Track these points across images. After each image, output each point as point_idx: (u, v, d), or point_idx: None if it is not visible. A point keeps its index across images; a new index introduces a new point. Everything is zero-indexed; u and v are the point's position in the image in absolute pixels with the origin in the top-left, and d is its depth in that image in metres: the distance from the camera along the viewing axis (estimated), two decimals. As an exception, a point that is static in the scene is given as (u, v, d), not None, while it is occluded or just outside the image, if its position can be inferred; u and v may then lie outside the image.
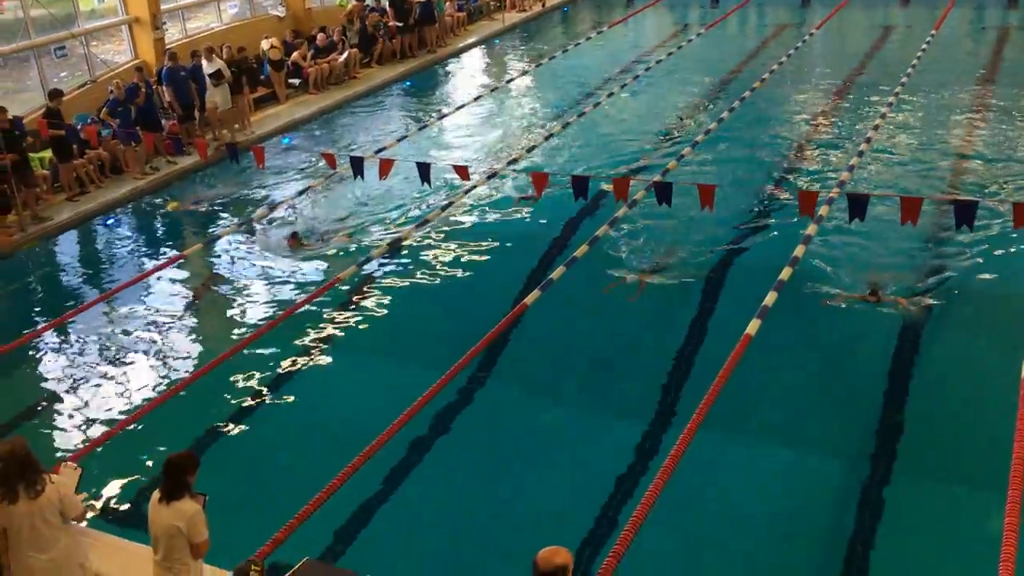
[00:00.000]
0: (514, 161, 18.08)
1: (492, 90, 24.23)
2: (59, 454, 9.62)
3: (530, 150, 18.79)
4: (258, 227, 15.93)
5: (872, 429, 9.63)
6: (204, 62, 19.52)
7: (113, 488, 9.26)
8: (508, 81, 25.18)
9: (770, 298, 11.71)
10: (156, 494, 6.40)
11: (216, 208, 17.09)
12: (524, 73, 26.03)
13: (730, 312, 11.97)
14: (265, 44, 23.07)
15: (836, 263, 12.82)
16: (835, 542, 8.09)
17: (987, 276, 12.41)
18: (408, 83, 25.54)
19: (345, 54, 24.84)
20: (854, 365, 10.85)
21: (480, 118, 21.96)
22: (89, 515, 8.67)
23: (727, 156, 17.92)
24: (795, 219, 13.81)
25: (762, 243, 14.11)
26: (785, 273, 12.42)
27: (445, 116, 22.01)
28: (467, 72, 27.12)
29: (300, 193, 17.33)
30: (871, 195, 11.52)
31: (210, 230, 16.01)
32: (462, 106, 22.68)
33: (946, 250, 13.22)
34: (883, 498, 8.62)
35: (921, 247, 13.38)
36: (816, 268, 12.64)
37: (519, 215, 15.51)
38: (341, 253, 14.46)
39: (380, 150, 18.57)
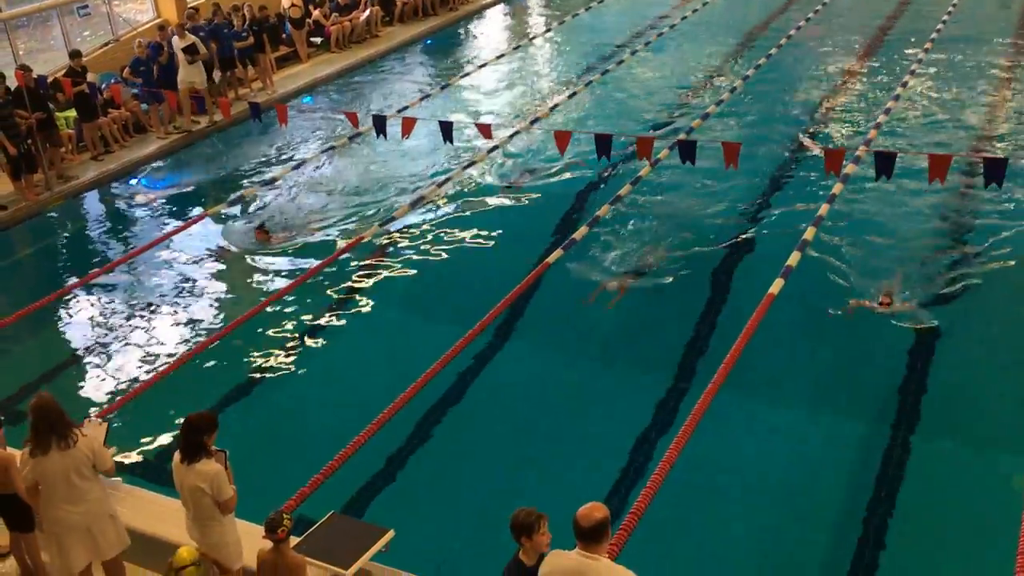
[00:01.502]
0: (537, 120, 17.97)
1: (515, 48, 24.03)
2: (89, 409, 9.78)
3: (553, 108, 18.66)
4: (279, 190, 15.98)
5: (894, 392, 9.59)
6: (175, 38, 18.08)
7: (144, 443, 9.43)
8: (531, 39, 24.95)
9: (793, 258, 11.66)
10: (177, 455, 6.50)
11: (239, 169, 17.13)
12: (547, 31, 25.78)
13: (754, 272, 11.92)
14: (286, 2, 22.94)
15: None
16: (855, 505, 8.11)
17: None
18: (429, 41, 25.37)
19: (367, 12, 24.66)
20: (877, 334, 10.77)
21: (502, 77, 21.79)
22: (121, 469, 8.85)
23: (752, 115, 17.73)
24: (816, 179, 13.69)
25: (786, 202, 14.00)
26: (809, 233, 12.34)
27: (467, 75, 21.87)
28: (489, 30, 26.89)
29: (302, 165, 17.33)
30: (898, 152, 11.36)
31: (233, 190, 16.06)
32: (484, 64, 22.52)
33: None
34: (905, 462, 8.62)
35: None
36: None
37: (547, 179, 15.42)
38: (360, 218, 14.47)
39: (402, 109, 18.51)
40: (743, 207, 13.83)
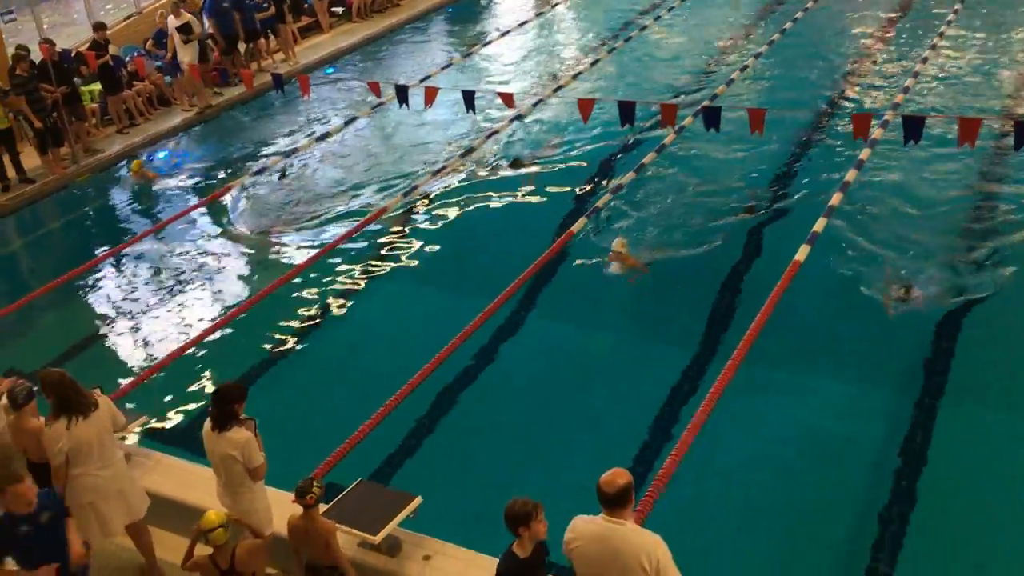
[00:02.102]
0: (559, 88, 17.85)
1: (537, 15, 23.82)
2: (120, 379, 9.91)
3: (576, 76, 18.52)
4: (302, 161, 16.01)
5: (920, 360, 9.52)
6: (171, 17, 17.69)
7: (175, 412, 9.56)
8: (553, 5, 24.71)
9: (820, 224, 11.56)
10: (208, 423, 6.59)
11: (263, 140, 17.18)
12: (569, -4, 25.54)
13: (780, 239, 11.84)
14: (307, -28, 22.88)
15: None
16: (879, 478, 8.08)
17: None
18: (451, 9, 25.21)
19: (388, -19, 24.55)
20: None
21: (524, 44, 21.64)
22: (152, 437, 9.01)
23: (778, 80, 17.53)
24: (843, 145, 13.51)
25: (812, 168, 13.86)
26: (836, 199, 12.22)
27: (489, 43, 21.73)
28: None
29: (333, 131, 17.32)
30: (927, 116, 11.19)
31: (258, 161, 16.12)
32: (506, 32, 22.36)
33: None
34: (931, 434, 8.55)
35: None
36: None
37: (570, 149, 15.33)
38: (383, 189, 14.48)
39: (425, 78, 18.44)
40: (768, 174, 13.70)
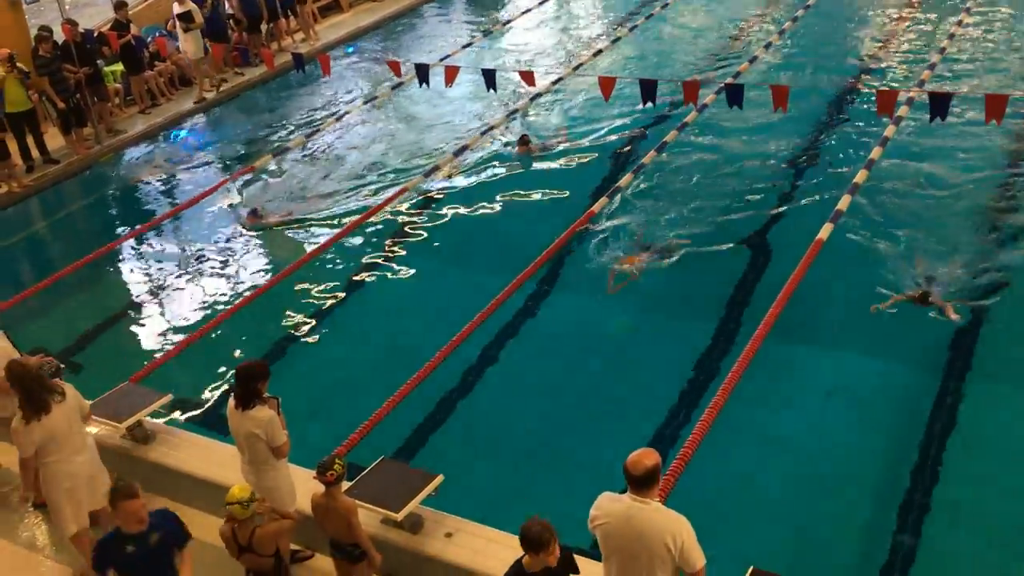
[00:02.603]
0: (580, 66, 17.75)
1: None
2: (144, 358, 10.01)
3: (596, 54, 18.40)
4: (322, 141, 16.03)
5: (946, 342, 9.44)
6: (175, 4, 17.33)
7: (199, 390, 9.64)
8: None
9: (844, 202, 11.46)
10: (231, 401, 6.64)
11: (284, 120, 17.21)
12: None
13: (803, 216, 11.75)
14: (326, -49, 22.80)
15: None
16: (903, 457, 8.03)
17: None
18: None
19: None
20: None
21: (545, 22, 21.52)
22: (177, 415, 9.11)
23: (802, 57, 17.34)
24: (868, 122, 13.36)
25: (835, 147, 13.73)
26: (860, 176, 12.11)
27: (510, 21, 21.61)
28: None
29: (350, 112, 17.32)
30: (953, 93, 11.04)
31: (279, 141, 16.15)
32: (527, 10, 22.24)
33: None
34: (956, 411, 8.48)
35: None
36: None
37: (591, 129, 15.25)
38: (404, 169, 14.49)
39: (445, 57, 18.38)
40: (792, 151, 13.59)
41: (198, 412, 9.32)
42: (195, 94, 18.08)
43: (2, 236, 13.80)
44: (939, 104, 10.12)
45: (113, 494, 5.59)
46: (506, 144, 14.73)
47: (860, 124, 14.25)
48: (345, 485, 6.56)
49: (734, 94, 11.08)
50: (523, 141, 14.33)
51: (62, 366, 7.64)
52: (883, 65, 16.83)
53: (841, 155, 13.33)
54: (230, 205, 13.85)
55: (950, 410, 8.45)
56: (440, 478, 6.92)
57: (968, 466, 7.83)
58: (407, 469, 7.32)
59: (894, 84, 15.52)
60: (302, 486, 6.84)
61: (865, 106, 14.62)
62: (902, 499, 7.54)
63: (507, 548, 6.65)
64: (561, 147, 14.44)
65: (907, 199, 11.90)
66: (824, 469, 7.95)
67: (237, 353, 10.02)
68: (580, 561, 6.41)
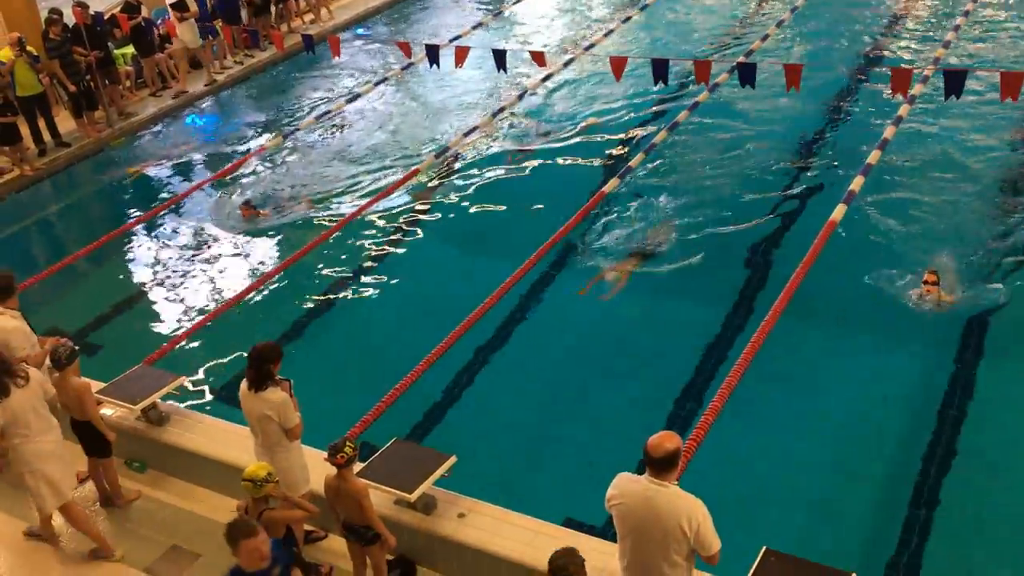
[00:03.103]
0: (591, 46, 17.65)
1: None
2: (158, 340, 10.05)
3: (607, 34, 18.28)
4: (331, 125, 16.01)
5: (960, 324, 9.38)
6: None
7: (213, 372, 9.69)
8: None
9: (856, 183, 11.39)
10: (244, 383, 6.65)
11: (295, 102, 17.20)
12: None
13: (815, 198, 11.69)
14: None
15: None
16: (915, 439, 8.00)
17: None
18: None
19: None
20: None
21: (555, 2, 21.38)
22: (192, 397, 9.16)
23: (815, 35, 17.20)
24: (882, 101, 13.22)
25: (848, 128, 13.63)
26: (873, 156, 12.02)
27: (519, 2, 21.47)
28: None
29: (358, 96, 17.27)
30: (968, 71, 10.94)
31: (291, 123, 16.15)
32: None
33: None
34: (971, 393, 8.44)
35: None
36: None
37: (601, 111, 15.19)
38: (413, 152, 14.45)
39: (455, 38, 18.29)
40: (805, 132, 13.50)
41: (212, 394, 9.37)
42: (205, 77, 18.06)
43: (16, 219, 13.86)
44: (954, 82, 10.02)
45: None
46: (521, 125, 14.65)
47: (874, 102, 14.14)
48: (359, 466, 6.58)
49: (746, 73, 11.00)
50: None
51: (76, 348, 7.66)
52: (897, 43, 16.67)
53: (854, 135, 13.22)
54: (238, 190, 13.86)
55: (964, 391, 8.40)
56: (453, 459, 6.94)
57: (982, 448, 7.80)
58: (420, 450, 7.34)
59: (909, 61, 15.38)
60: (316, 468, 6.87)
61: (879, 84, 14.50)
62: (916, 479, 7.52)
63: (520, 528, 6.69)
64: (571, 129, 14.37)
65: (919, 181, 11.82)
66: (837, 451, 7.94)
67: (250, 335, 10.03)
68: (594, 541, 6.48)
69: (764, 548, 5.84)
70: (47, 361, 7.45)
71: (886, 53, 16.27)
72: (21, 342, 7.67)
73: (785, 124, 13.67)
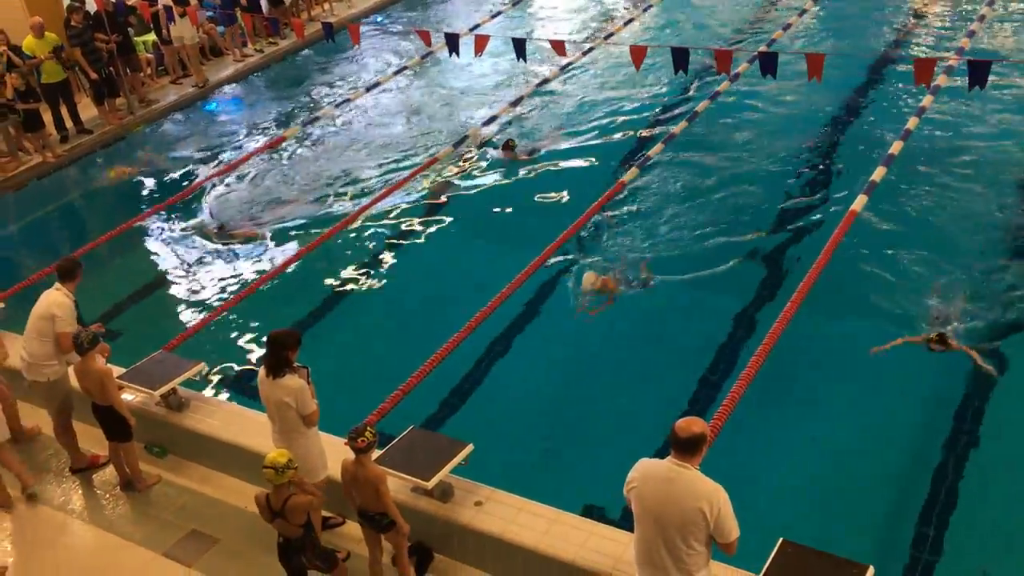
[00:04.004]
0: (610, 35, 17.58)
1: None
2: (177, 328, 10.11)
3: (627, 23, 18.21)
4: (352, 113, 16.03)
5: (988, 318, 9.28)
6: None
7: (232, 358, 9.73)
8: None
9: (878, 173, 11.31)
10: (262, 370, 6.69)
11: (315, 90, 17.24)
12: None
13: (836, 189, 11.61)
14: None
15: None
16: (934, 431, 7.96)
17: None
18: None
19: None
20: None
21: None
22: (210, 384, 9.22)
23: (837, 25, 17.05)
24: (905, 91, 13.11)
25: (871, 117, 13.52)
26: (896, 147, 11.93)
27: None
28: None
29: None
30: (993, 61, 10.81)
31: (309, 112, 16.18)
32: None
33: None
34: (992, 384, 8.37)
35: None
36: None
37: (620, 100, 15.14)
38: (434, 140, 14.46)
39: (475, 27, 18.27)
40: (826, 121, 13.41)
41: (231, 380, 9.42)
42: (229, 63, 18.11)
43: (38, 205, 13.95)
44: (978, 72, 9.91)
45: None
46: (540, 115, 14.63)
47: (897, 92, 14.02)
48: (376, 453, 6.60)
49: (768, 62, 10.91)
50: (507, 146, 13.32)
51: (98, 333, 7.75)
52: (921, 33, 16.51)
53: (876, 126, 13.12)
54: (256, 179, 13.92)
55: (986, 382, 8.34)
56: (470, 447, 6.96)
57: (1003, 440, 7.74)
58: (437, 438, 7.35)
59: (933, 51, 15.23)
60: (333, 454, 6.90)
61: (902, 74, 14.37)
62: (934, 473, 7.47)
63: (537, 517, 6.70)
64: (589, 120, 14.31)
65: (939, 172, 11.71)
66: (855, 443, 7.90)
67: (268, 323, 10.09)
68: (610, 531, 6.48)
69: (781, 540, 5.83)
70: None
71: (911, 42, 16.10)
72: (67, 319, 7.86)
73: (806, 114, 13.57)
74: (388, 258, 11.40)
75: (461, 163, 13.48)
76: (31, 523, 7.73)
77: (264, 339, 7.54)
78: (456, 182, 12.99)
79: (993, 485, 7.35)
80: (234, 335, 10.08)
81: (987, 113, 13.02)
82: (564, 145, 13.58)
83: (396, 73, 17.34)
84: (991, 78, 9.91)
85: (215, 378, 9.39)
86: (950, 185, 11.42)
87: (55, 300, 7.91)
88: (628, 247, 10.86)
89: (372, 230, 11.94)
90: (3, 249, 12.96)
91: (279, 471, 5.92)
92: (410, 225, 12.04)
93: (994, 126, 12.77)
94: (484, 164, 13.35)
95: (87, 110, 15.97)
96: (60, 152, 15.10)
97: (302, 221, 12.45)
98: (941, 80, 13.39)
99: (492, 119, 14.59)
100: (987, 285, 9.51)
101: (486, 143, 13.81)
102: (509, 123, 14.55)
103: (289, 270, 11.07)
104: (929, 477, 7.44)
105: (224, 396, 8.98)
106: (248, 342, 9.92)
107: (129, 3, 16.55)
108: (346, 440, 6.22)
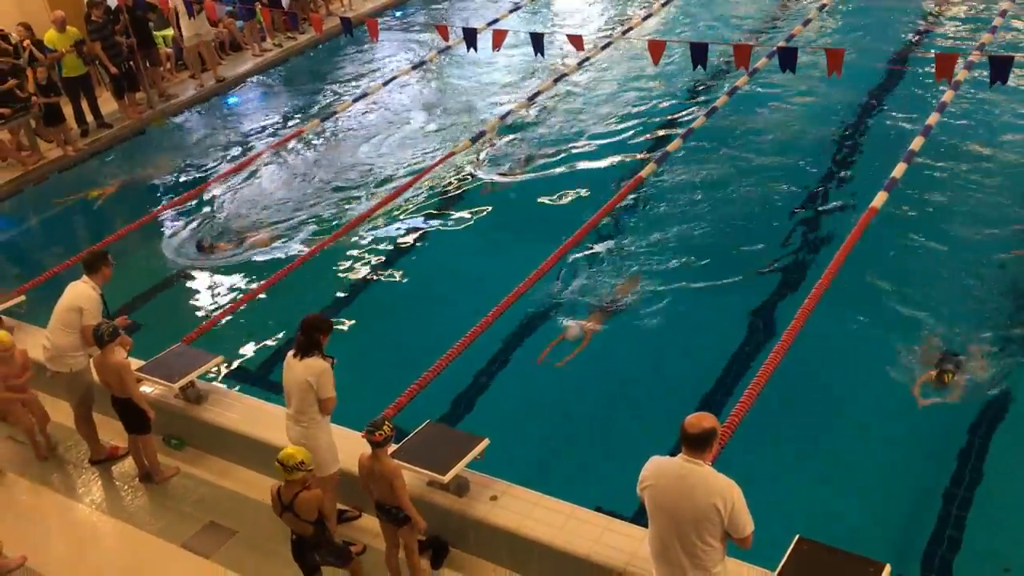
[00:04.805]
0: (628, 30, 17.54)
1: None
2: (196, 322, 10.17)
3: (646, 18, 18.15)
4: (369, 108, 16.07)
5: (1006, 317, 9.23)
6: None
7: (250, 352, 9.80)
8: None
9: (899, 169, 11.23)
10: (290, 354, 6.75)
11: (334, 84, 17.30)
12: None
13: (857, 184, 11.55)
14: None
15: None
16: (953, 427, 7.93)
17: None
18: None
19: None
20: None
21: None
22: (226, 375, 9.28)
23: (858, 19, 16.94)
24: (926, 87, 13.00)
25: (891, 112, 13.42)
26: (916, 143, 11.85)
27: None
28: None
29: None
30: (1015, 56, 10.71)
31: (327, 106, 16.22)
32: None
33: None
34: (1016, 381, 8.31)
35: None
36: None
37: (636, 97, 15.10)
38: (451, 135, 14.48)
39: (493, 22, 18.26)
40: (846, 116, 13.32)
41: (249, 373, 9.47)
42: (248, 58, 18.17)
43: (58, 198, 14.04)
44: (1000, 68, 9.81)
45: None
46: (558, 109, 14.59)
47: (917, 88, 13.92)
48: (392, 447, 6.63)
49: (786, 58, 10.85)
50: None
51: (126, 326, 7.83)
52: (941, 27, 16.37)
53: (895, 122, 13.02)
54: (275, 173, 13.98)
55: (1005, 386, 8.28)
56: (486, 441, 6.97)
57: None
58: (453, 432, 7.37)
59: (954, 46, 15.11)
60: (350, 448, 6.93)
61: (923, 69, 14.26)
62: (953, 472, 7.43)
63: (552, 512, 6.71)
64: (607, 114, 14.29)
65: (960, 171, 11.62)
66: (873, 441, 7.87)
67: (286, 317, 10.14)
68: (624, 527, 6.48)
69: (797, 537, 5.82)
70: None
71: (931, 37, 15.97)
72: (93, 312, 7.92)
73: (826, 108, 13.51)
74: (406, 253, 11.41)
75: (477, 157, 13.48)
76: (50, 514, 7.81)
77: (282, 333, 7.59)
78: (473, 176, 12.97)
79: (1015, 481, 7.29)
80: (252, 328, 10.13)
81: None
82: (582, 140, 13.56)
83: (414, 68, 17.36)
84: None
85: (234, 371, 9.44)
86: (971, 182, 11.33)
87: (82, 292, 7.98)
88: (634, 252, 10.83)
89: (390, 225, 11.97)
90: (24, 243, 13.08)
91: (289, 469, 5.94)
92: (428, 220, 12.06)
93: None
94: (500, 157, 13.34)
95: (107, 104, 16.08)
96: (81, 146, 15.21)
97: (320, 215, 12.50)
98: (962, 75, 13.26)
99: (509, 114, 14.58)
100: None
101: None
102: (525, 118, 14.54)
103: (308, 264, 11.11)
104: (948, 475, 7.39)
105: (242, 389, 9.01)
106: (266, 335, 9.97)
107: (149, -1, 16.67)
108: (363, 433, 6.24)
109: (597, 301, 9.89)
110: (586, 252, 10.81)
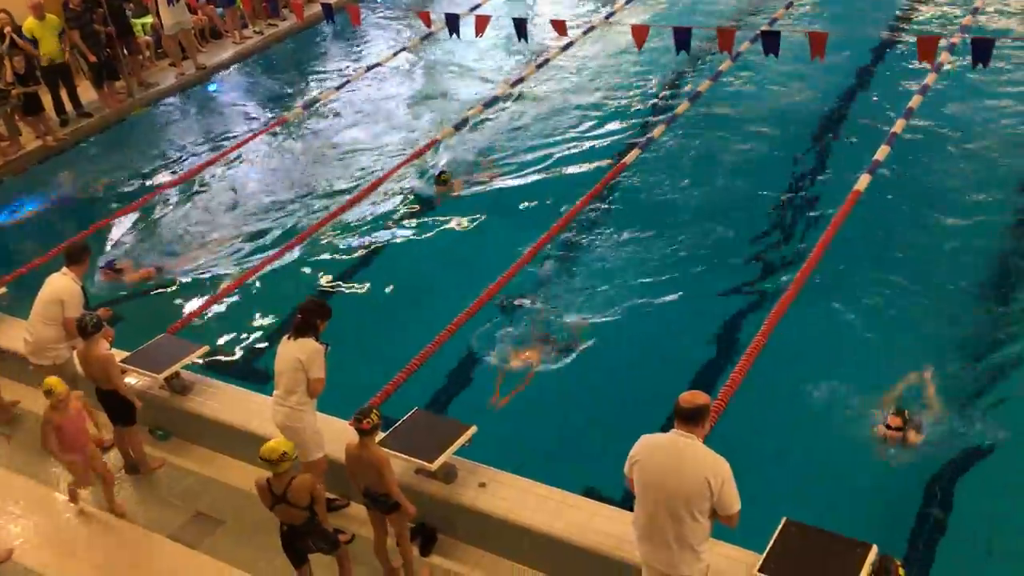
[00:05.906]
0: (612, 15, 17.50)
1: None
2: (180, 312, 10.12)
3: (628, 2, 18.11)
4: (350, 95, 16.00)
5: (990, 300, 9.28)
6: None
7: (235, 342, 9.74)
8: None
9: (881, 152, 11.27)
10: (286, 337, 6.78)
11: (314, 71, 17.20)
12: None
13: (840, 165, 11.59)
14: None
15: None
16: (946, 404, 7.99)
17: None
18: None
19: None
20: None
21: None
22: (213, 367, 9.24)
23: (837, 5, 16.96)
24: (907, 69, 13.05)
25: (871, 96, 13.47)
26: (898, 125, 11.89)
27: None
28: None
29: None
30: (997, 39, 10.74)
31: (308, 94, 16.12)
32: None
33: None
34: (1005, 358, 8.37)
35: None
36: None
37: (621, 82, 15.08)
38: (435, 119, 14.43)
39: (474, 7, 18.16)
40: (828, 99, 13.35)
41: (234, 363, 9.42)
42: (228, 46, 18.03)
43: (39, 189, 13.90)
44: (982, 50, 9.86)
45: None
46: (543, 95, 14.57)
47: (899, 70, 13.95)
48: (380, 435, 6.62)
49: (770, 42, 10.86)
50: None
51: (107, 318, 7.77)
52: (923, 10, 16.40)
53: (879, 103, 13.06)
54: (257, 161, 13.89)
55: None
56: (473, 428, 6.98)
57: (1011, 415, 7.74)
58: (441, 420, 7.38)
59: (936, 29, 15.15)
60: (338, 436, 6.92)
61: (904, 52, 14.31)
62: (941, 453, 7.49)
63: (540, 497, 6.72)
64: (591, 102, 14.26)
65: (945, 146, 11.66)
66: (860, 425, 7.91)
67: (272, 305, 10.12)
68: (614, 511, 6.50)
69: (784, 519, 5.85)
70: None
71: (913, 19, 16.00)
72: (75, 304, 7.88)
73: (808, 93, 13.51)
74: (391, 241, 11.36)
75: (464, 143, 13.43)
76: (37, 507, 7.76)
77: (268, 322, 7.52)
78: (458, 163, 12.93)
79: (1001, 463, 7.33)
80: (238, 317, 10.08)
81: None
82: (567, 127, 13.54)
83: (396, 54, 17.26)
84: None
85: (219, 361, 9.39)
86: (953, 167, 11.38)
87: (63, 286, 7.93)
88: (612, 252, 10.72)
89: (374, 212, 11.91)
90: (3, 234, 12.95)
91: (273, 463, 5.91)
92: (412, 208, 12.00)
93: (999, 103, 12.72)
94: (484, 143, 13.30)
95: (87, 93, 15.92)
96: (60, 136, 15.06)
97: (305, 203, 12.43)
98: (944, 57, 13.30)
99: (493, 100, 14.53)
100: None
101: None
102: (506, 103, 14.51)
103: (293, 252, 11.05)
104: (935, 459, 7.44)
105: (228, 379, 8.96)
106: (252, 324, 9.92)
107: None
108: (351, 421, 6.23)
109: (582, 289, 9.89)
110: (570, 237, 10.79)
